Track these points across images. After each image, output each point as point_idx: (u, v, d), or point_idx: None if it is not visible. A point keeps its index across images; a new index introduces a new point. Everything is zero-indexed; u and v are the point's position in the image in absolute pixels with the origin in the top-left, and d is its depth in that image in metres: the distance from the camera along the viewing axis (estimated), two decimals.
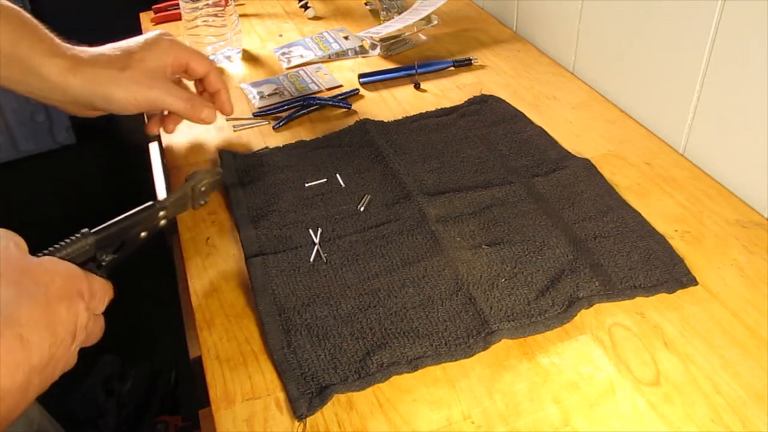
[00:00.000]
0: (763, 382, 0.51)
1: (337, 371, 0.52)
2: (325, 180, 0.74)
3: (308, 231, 0.67)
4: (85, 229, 0.51)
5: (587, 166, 0.74)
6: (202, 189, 0.65)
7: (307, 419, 0.49)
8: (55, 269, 0.44)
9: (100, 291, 0.48)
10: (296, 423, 0.49)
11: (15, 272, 0.42)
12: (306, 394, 0.51)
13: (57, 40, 0.69)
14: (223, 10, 0.99)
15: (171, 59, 0.72)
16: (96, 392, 1.37)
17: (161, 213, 0.58)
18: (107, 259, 0.53)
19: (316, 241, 0.65)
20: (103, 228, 0.52)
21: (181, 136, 0.85)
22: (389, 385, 0.52)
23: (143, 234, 0.57)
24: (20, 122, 2.21)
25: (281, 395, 0.51)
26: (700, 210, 0.68)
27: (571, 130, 0.82)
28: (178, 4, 1.02)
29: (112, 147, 2.28)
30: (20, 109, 2.19)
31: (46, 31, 0.69)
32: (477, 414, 0.50)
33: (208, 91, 0.78)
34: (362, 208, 0.70)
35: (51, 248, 0.48)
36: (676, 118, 0.77)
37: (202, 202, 0.66)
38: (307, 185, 0.73)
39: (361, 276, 0.61)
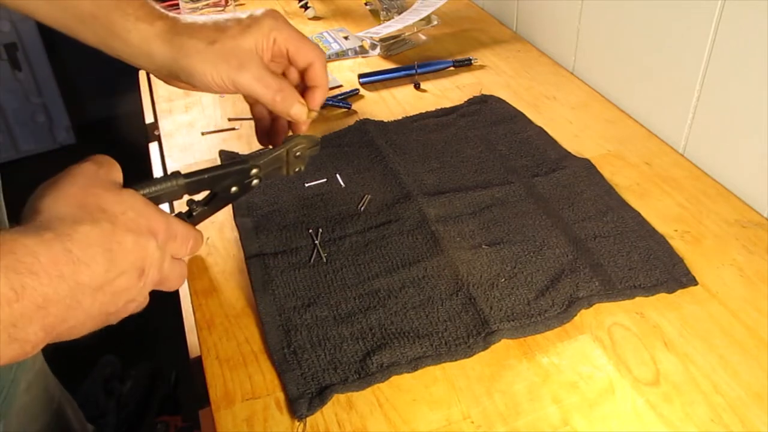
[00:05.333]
0: (762, 381, 0.51)
1: (337, 371, 0.52)
2: (325, 180, 0.74)
3: (308, 231, 0.67)
4: (177, 170, 0.51)
5: (587, 166, 0.74)
6: (297, 154, 0.61)
7: (307, 419, 0.49)
8: (131, 203, 0.44)
9: (182, 235, 0.47)
10: (296, 423, 0.49)
11: (83, 194, 0.42)
12: (306, 394, 0.51)
13: (148, 1, 0.61)
14: (223, 10, 0.99)
15: (269, 44, 0.63)
16: (96, 392, 1.37)
17: (254, 171, 0.56)
18: (198, 209, 0.53)
19: (316, 241, 0.65)
20: (194, 172, 0.52)
21: (182, 136, 0.86)
22: (389, 385, 0.52)
23: (234, 189, 0.55)
24: (20, 122, 2.21)
25: (281, 395, 0.52)
26: (700, 210, 0.68)
27: (571, 130, 0.82)
28: (178, 4, 1.02)
29: (112, 147, 2.26)
30: (20, 109, 2.19)
31: None
32: (477, 414, 0.50)
33: (306, 84, 0.66)
34: (362, 208, 0.70)
35: (139, 184, 0.47)
36: (676, 118, 0.77)
37: (297, 169, 0.62)
38: (307, 185, 0.74)
39: (361, 276, 0.61)
